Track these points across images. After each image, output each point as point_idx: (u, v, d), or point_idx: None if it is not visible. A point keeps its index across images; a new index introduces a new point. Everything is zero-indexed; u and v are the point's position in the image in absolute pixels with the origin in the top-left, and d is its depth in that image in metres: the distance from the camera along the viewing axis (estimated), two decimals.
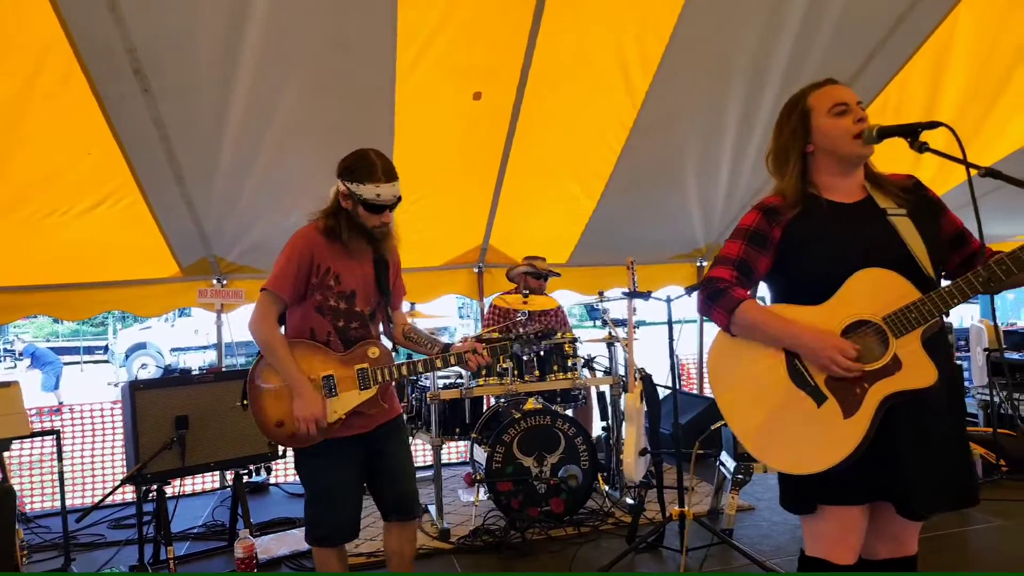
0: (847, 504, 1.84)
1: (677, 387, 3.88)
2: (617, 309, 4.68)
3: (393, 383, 2.63)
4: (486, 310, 5.19)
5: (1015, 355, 5.25)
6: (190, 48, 3.46)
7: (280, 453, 3.91)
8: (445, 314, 15.73)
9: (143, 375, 15.00)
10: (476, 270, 5.70)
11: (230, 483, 4.17)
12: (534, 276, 4.91)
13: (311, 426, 2.40)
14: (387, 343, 2.67)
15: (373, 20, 3.55)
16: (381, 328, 2.69)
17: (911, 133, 1.87)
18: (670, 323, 3.48)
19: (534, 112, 4.30)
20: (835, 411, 1.79)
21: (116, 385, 12.42)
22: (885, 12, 3.88)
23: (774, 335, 1.83)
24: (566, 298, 5.45)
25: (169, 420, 3.63)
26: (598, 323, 4.60)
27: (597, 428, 5.06)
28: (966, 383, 5.33)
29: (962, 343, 5.78)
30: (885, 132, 1.90)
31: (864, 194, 1.95)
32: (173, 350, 15.37)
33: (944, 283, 1.83)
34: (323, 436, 2.45)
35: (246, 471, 3.91)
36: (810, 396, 1.81)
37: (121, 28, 3.25)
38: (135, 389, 3.59)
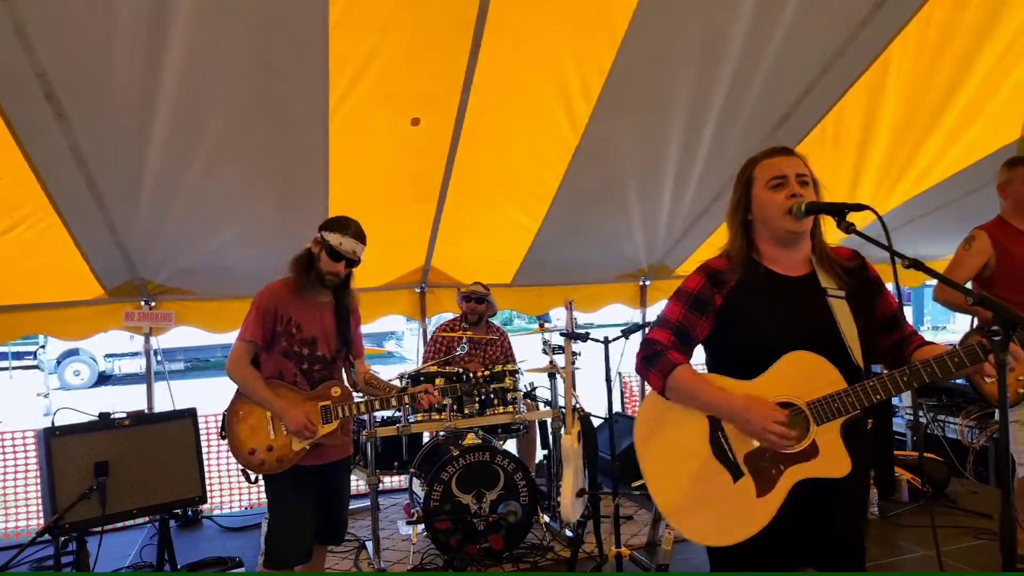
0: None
1: (613, 419, 3.89)
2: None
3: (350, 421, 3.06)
4: (429, 338, 5.11)
5: None
6: (106, 73, 3.29)
7: (206, 496, 3.78)
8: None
9: (76, 382, 14.46)
10: (418, 290, 5.61)
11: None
12: (476, 300, 4.85)
13: (309, 430, 2.82)
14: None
15: (303, 46, 3.42)
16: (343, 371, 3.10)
17: (838, 212, 1.87)
18: (607, 362, 3.46)
19: (474, 138, 4.23)
20: (749, 488, 1.82)
21: (46, 396, 11.93)
22: (822, 48, 3.93)
23: (707, 402, 1.84)
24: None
25: (88, 466, 3.46)
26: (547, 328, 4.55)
27: (540, 454, 5.05)
28: (895, 401, 5.48)
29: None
30: (813, 208, 1.91)
31: (808, 268, 1.96)
32: (107, 356, 14.82)
33: (875, 367, 1.87)
34: (288, 464, 2.84)
35: (172, 517, 3.75)
36: (728, 470, 1.84)
37: (29, 53, 3.06)
38: (50, 436, 3.41)
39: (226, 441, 2.88)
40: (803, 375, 1.83)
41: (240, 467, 2.91)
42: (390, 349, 16.75)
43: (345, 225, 2.92)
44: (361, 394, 3.16)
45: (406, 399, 3.02)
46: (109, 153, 3.73)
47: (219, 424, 2.95)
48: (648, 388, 1.95)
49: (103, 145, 3.66)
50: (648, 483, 1.88)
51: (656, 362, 1.88)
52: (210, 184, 4.11)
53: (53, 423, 3.69)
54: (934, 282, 7.15)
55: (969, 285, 3.36)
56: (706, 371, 1.95)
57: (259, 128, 3.86)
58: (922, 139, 4.76)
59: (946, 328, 14.20)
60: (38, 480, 5.12)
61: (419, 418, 4.00)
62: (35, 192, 3.84)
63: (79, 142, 3.58)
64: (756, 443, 1.82)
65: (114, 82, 3.33)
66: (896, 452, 4.76)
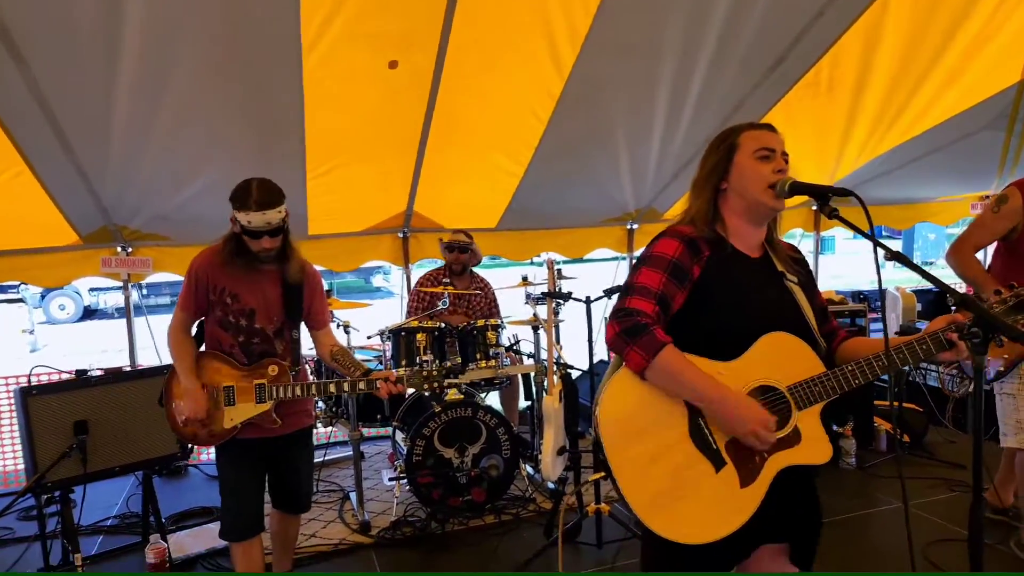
0: (718, 571, 1.84)
1: (595, 370, 3.88)
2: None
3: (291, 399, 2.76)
4: (411, 292, 5.04)
5: (925, 324, 5.41)
6: (66, 20, 3.12)
7: (191, 450, 3.78)
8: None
9: (62, 317, 14.40)
10: (401, 236, 5.51)
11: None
12: (459, 250, 4.76)
13: (193, 425, 2.68)
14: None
15: None
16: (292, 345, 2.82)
17: (822, 196, 1.78)
18: (589, 322, 3.42)
19: (455, 81, 4.05)
20: (733, 478, 1.74)
21: (31, 332, 11.89)
22: None
23: (698, 392, 1.69)
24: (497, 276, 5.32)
25: (67, 425, 3.43)
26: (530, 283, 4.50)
27: (523, 404, 5.08)
28: None
29: (877, 304, 5.95)
30: (796, 188, 1.82)
31: (763, 252, 1.91)
32: (92, 290, 14.71)
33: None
34: (219, 439, 2.71)
35: (154, 472, 3.76)
36: (709, 459, 1.73)
37: None
38: (27, 395, 3.36)
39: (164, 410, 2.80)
40: (782, 357, 1.77)
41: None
42: (378, 284, 16.69)
43: (247, 194, 2.55)
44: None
45: (361, 385, 2.67)
46: (74, 99, 3.59)
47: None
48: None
49: (67, 91, 3.52)
50: (618, 478, 1.71)
51: (639, 338, 1.67)
52: (182, 129, 3.98)
53: (29, 381, 3.64)
54: (926, 221, 7.08)
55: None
56: None
57: (229, 72, 3.69)
58: (919, 83, 4.61)
59: (934, 263, 14.32)
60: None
61: (400, 373, 3.97)
62: (0, 139, 3.70)
63: (42, 88, 3.44)
64: None
65: (76, 28, 3.16)
66: (876, 402, 4.80)
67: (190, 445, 2.86)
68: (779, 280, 1.86)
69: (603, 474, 1.74)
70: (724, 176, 1.84)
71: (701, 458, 1.74)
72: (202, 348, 2.82)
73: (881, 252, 1.66)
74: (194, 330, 2.85)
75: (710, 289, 1.79)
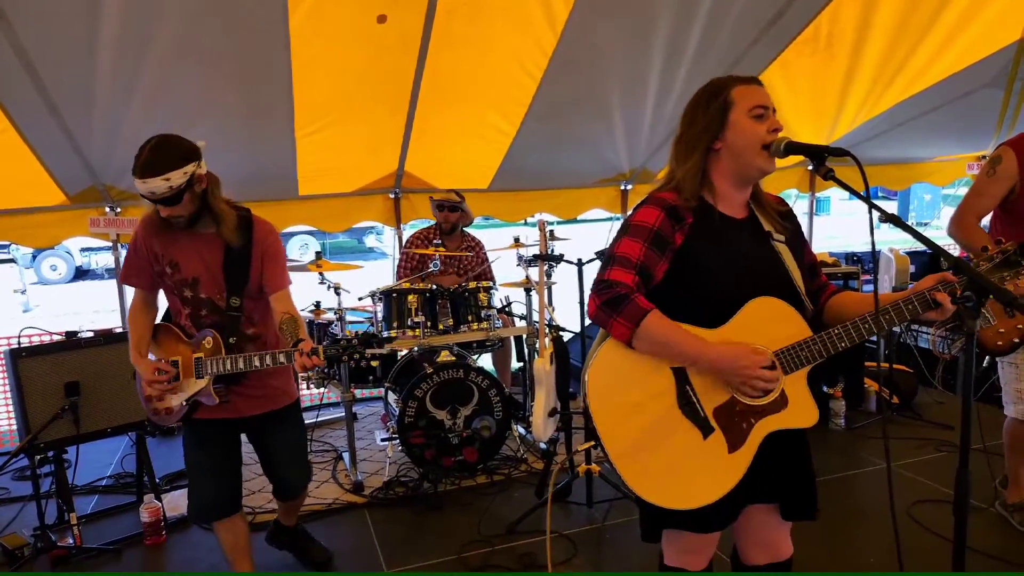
0: (711, 532, 1.86)
1: (587, 332, 3.87)
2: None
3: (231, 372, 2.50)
4: (401, 252, 5.01)
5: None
6: None
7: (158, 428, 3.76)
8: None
9: (53, 277, 14.33)
10: (392, 196, 5.45)
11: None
12: (450, 209, 4.72)
13: (153, 387, 2.52)
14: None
15: None
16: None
17: (817, 156, 1.74)
18: (580, 285, 3.40)
19: (445, 38, 3.96)
20: (720, 444, 1.75)
21: (23, 292, 11.84)
22: None
23: (687, 352, 1.69)
24: (490, 238, 5.27)
25: (58, 387, 3.43)
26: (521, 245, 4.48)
27: (516, 366, 5.09)
28: None
29: (871, 266, 5.94)
30: (792, 148, 1.77)
31: (748, 212, 1.87)
32: (83, 250, 14.61)
33: None
34: (174, 417, 2.59)
35: (148, 433, 3.77)
36: (697, 426, 1.73)
37: None
38: (17, 357, 3.35)
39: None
40: (769, 323, 1.75)
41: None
42: (371, 245, 16.59)
43: (136, 158, 2.30)
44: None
45: (281, 358, 2.42)
46: (56, 56, 3.52)
47: None
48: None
49: (49, 48, 3.45)
50: (607, 447, 1.72)
51: (622, 308, 1.66)
52: (167, 88, 3.91)
53: (19, 343, 3.63)
54: (923, 181, 7.04)
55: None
56: None
57: (214, 28, 3.61)
58: (919, 40, 4.53)
59: (929, 224, 14.30)
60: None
61: (392, 334, 3.97)
62: None
63: (24, 46, 3.37)
64: (725, 396, 1.74)
65: None
66: (866, 363, 4.83)
67: (156, 423, 2.70)
68: (765, 242, 1.83)
69: (592, 443, 1.74)
70: (718, 136, 1.77)
71: (690, 426, 1.74)
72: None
73: (876, 215, 1.64)
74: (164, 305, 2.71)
75: (694, 257, 1.76)
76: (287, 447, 2.79)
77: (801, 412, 1.79)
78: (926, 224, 13.49)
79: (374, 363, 4.09)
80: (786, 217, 1.90)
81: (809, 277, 1.90)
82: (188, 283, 2.52)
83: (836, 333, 1.73)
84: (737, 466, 1.75)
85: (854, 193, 1.74)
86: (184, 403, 2.54)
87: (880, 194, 21.73)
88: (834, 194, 21.13)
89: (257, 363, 2.45)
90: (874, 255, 1.69)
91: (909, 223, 1.69)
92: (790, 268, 1.81)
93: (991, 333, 2.93)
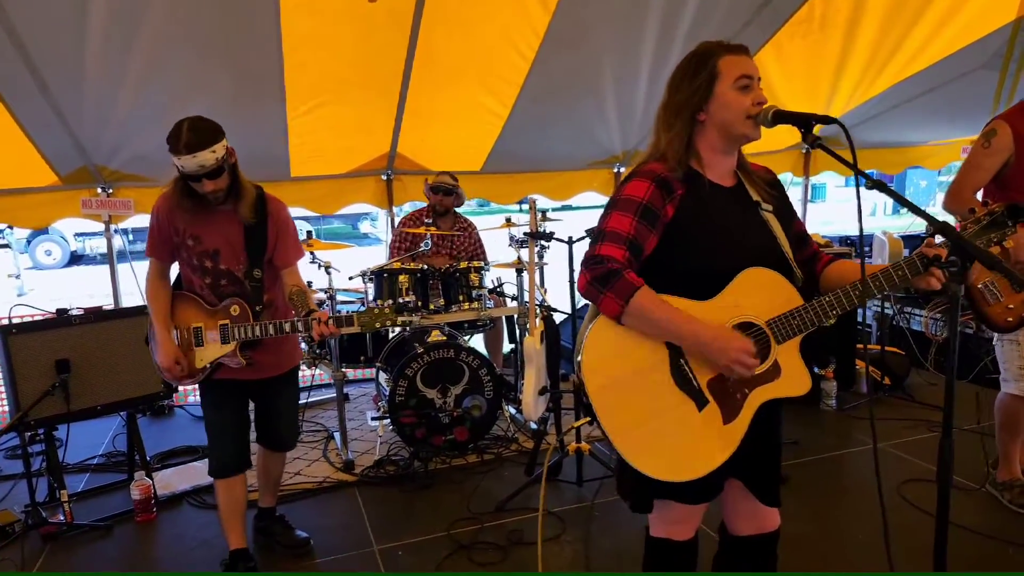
0: (699, 503, 1.87)
1: (578, 313, 3.87)
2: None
3: (256, 338, 2.69)
4: (393, 233, 4.99)
5: None
6: None
7: (174, 389, 3.78)
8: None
9: (48, 262, 14.29)
10: (385, 178, 5.43)
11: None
12: (444, 192, 4.70)
13: (165, 373, 2.69)
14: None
15: None
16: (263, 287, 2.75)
17: (805, 124, 1.73)
18: (571, 263, 3.39)
19: (438, 16, 3.93)
20: (716, 416, 1.75)
21: (17, 276, 11.82)
22: None
23: (674, 331, 1.68)
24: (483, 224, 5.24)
25: (49, 364, 3.42)
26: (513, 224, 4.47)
27: (507, 347, 5.09)
28: None
29: (868, 248, 5.93)
30: (780, 117, 1.75)
31: (736, 180, 1.85)
32: (78, 235, 14.56)
33: None
34: (194, 379, 2.74)
35: (138, 411, 3.77)
36: (692, 399, 1.74)
37: None
38: (7, 334, 3.33)
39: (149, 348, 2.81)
40: (761, 293, 1.75)
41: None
42: (365, 231, 16.54)
43: (177, 138, 2.43)
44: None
45: (299, 326, 2.58)
46: (46, 33, 3.49)
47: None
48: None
49: (39, 24, 3.42)
50: (604, 423, 1.73)
51: (612, 284, 1.65)
52: (157, 68, 3.89)
53: (10, 320, 3.62)
54: (917, 165, 7.04)
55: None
56: None
57: (204, 11, 3.59)
58: (913, 20, 4.51)
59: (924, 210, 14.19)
60: None
61: (352, 315, 3.95)
62: None
63: (13, 22, 3.35)
64: (719, 368, 1.73)
65: None
66: (858, 345, 4.83)
67: (174, 384, 2.85)
68: (754, 211, 1.82)
69: (587, 420, 1.74)
70: (702, 107, 1.76)
71: (684, 398, 1.74)
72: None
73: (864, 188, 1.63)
74: (174, 275, 2.82)
75: (685, 229, 1.75)
76: (288, 407, 3.03)
77: (794, 381, 1.79)
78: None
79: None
80: (773, 186, 1.89)
81: (798, 247, 1.90)
82: (209, 254, 2.67)
83: (828, 301, 1.73)
84: (733, 436, 1.76)
85: (841, 160, 1.73)
86: (208, 366, 2.70)
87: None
88: (830, 180, 21.10)
89: (286, 329, 2.63)
90: (860, 226, 1.68)
91: (903, 211, 1.68)
92: (779, 237, 1.81)
93: (999, 310, 2.91)
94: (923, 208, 1.70)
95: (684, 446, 1.74)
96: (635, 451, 1.74)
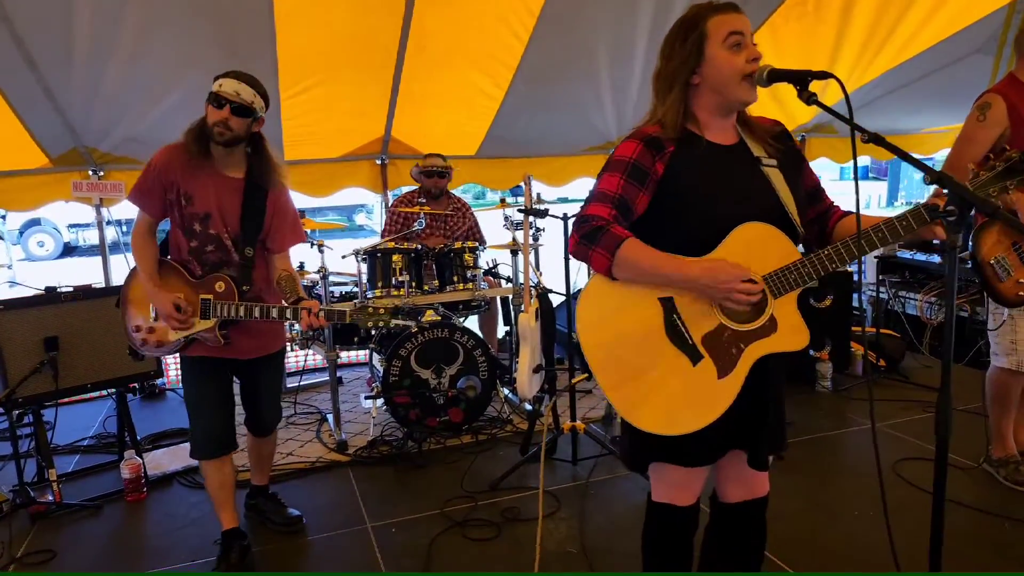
0: (697, 466, 1.86)
1: (573, 296, 3.85)
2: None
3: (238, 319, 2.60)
4: (387, 213, 4.96)
5: (906, 254, 5.42)
6: None
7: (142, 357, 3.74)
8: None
9: (41, 253, 14.18)
10: (379, 162, 5.39)
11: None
12: (438, 175, 4.67)
13: (172, 321, 2.56)
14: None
15: None
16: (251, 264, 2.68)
17: (801, 81, 1.71)
18: (566, 241, 3.36)
19: None
20: (710, 371, 1.73)
21: (9, 267, 11.74)
22: None
23: (665, 273, 1.67)
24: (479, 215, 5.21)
25: (37, 341, 3.38)
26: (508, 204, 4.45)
27: (503, 330, 5.06)
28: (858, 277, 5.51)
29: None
30: (775, 76, 1.74)
31: (737, 137, 1.83)
32: (71, 226, 14.45)
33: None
34: (167, 350, 2.67)
35: (128, 390, 3.73)
36: (685, 354, 1.72)
37: None
38: None
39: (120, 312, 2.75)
40: (757, 247, 1.73)
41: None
42: (360, 223, 16.47)
43: (225, 74, 2.50)
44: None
45: (287, 313, 2.53)
46: (36, 12, 3.46)
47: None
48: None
49: (28, 4, 3.40)
50: (599, 378, 1.74)
51: (599, 239, 1.66)
52: (147, 45, 3.85)
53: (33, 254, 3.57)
54: (911, 152, 7.09)
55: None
56: None
57: None
58: (908, 3, 4.48)
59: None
60: None
61: (377, 294, 3.93)
62: None
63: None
64: (713, 324, 1.72)
65: None
66: (854, 328, 4.82)
67: (139, 352, 2.75)
68: (754, 167, 1.79)
69: (586, 375, 1.74)
70: (695, 71, 1.75)
71: (678, 353, 1.73)
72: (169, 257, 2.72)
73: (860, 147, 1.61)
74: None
75: (677, 185, 1.74)
76: (270, 389, 2.96)
77: (791, 336, 1.76)
78: (916, 204, 13.45)
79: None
80: (779, 138, 1.85)
81: (810, 201, 1.88)
82: (199, 217, 2.59)
83: (826, 254, 1.70)
84: (727, 392, 1.74)
85: (837, 115, 1.71)
86: (182, 339, 2.61)
87: (870, 175, 21.74)
88: (826, 174, 21.11)
89: (273, 315, 2.55)
90: (856, 175, 1.66)
91: (899, 202, 1.66)
92: (780, 192, 1.77)
93: (1010, 284, 2.90)
94: (918, 202, 1.68)
95: (678, 400, 1.73)
96: (630, 406, 1.74)
